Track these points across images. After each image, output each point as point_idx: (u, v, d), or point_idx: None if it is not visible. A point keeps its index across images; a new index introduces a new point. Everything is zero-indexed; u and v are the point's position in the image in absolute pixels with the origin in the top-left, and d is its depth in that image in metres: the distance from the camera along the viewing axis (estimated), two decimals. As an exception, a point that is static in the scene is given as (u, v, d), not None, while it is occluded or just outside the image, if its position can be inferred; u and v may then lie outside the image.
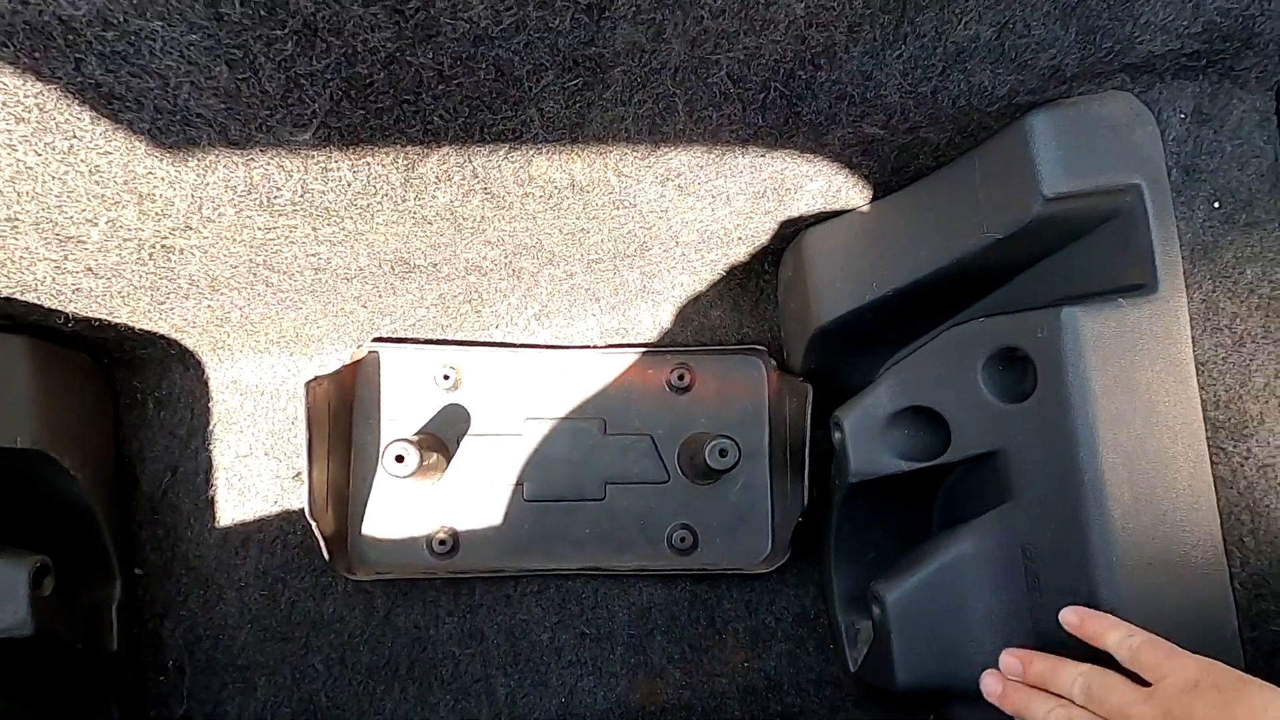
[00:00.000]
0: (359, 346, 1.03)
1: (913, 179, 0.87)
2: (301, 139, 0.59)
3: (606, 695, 1.00)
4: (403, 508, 1.01)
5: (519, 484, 1.03)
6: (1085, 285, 0.81)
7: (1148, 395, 0.75)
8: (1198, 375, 0.75)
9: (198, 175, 0.63)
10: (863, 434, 0.90)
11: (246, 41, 0.51)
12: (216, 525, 1.01)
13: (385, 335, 1.03)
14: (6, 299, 0.81)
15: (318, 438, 0.94)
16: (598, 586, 1.03)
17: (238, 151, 0.61)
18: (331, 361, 1.03)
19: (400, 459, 0.92)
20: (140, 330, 0.93)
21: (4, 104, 0.54)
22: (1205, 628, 0.74)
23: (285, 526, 1.01)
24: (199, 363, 1.02)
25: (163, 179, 0.63)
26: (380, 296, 0.96)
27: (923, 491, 0.96)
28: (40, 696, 0.88)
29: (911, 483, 0.92)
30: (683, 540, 1.03)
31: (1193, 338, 0.76)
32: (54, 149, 0.58)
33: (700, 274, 1.03)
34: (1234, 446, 0.76)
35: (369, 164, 0.65)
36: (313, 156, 0.63)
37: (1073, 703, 0.68)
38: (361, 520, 1.01)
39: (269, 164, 0.63)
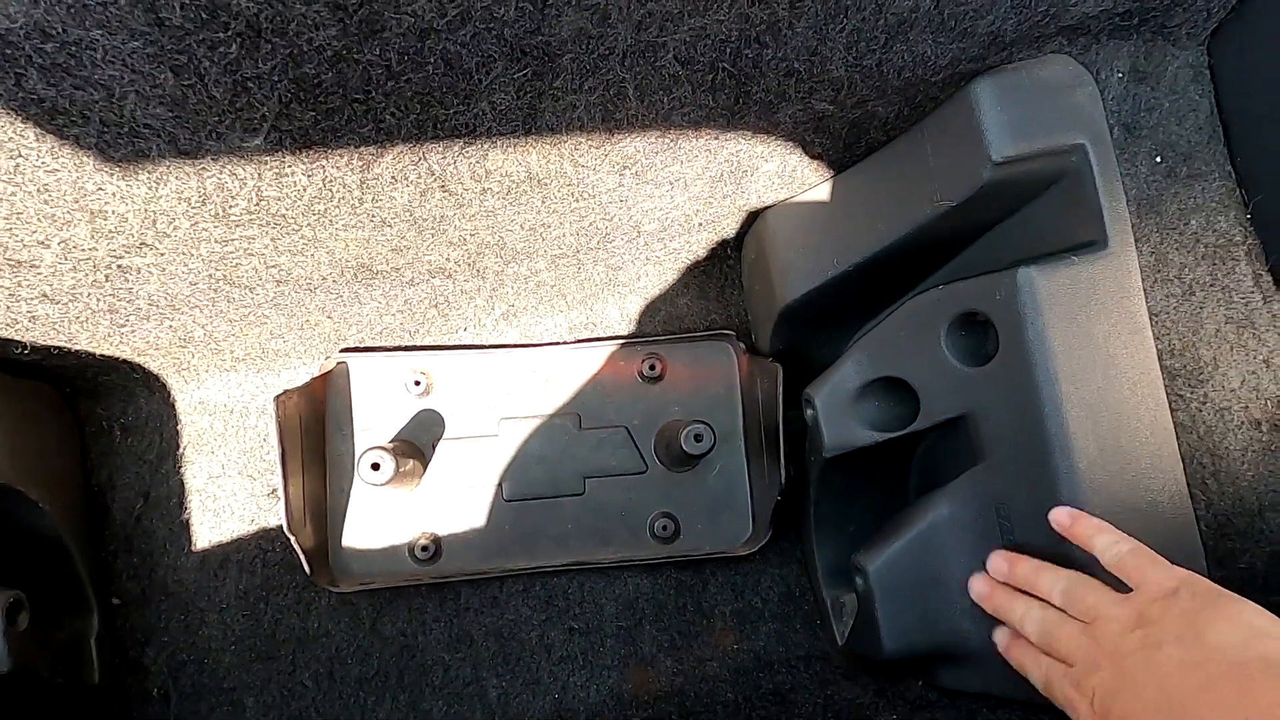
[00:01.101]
0: (327, 358, 1.02)
1: (865, 154, 0.89)
2: (253, 144, 0.59)
3: (599, 688, 1.00)
4: (382, 516, 1.01)
5: (498, 484, 1.03)
6: (1039, 246, 0.83)
7: (1106, 348, 0.77)
8: (1152, 326, 0.77)
9: (149, 189, 0.62)
10: (834, 409, 0.91)
11: (190, 46, 0.50)
12: (193, 549, 1.00)
13: (353, 345, 1.03)
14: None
15: (291, 452, 0.93)
16: (583, 581, 1.03)
17: (189, 161, 0.60)
18: (300, 375, 1.02)
19: (376, 466, 0.91)
20: (101, 356, 0.92)
21: None
22: (1176, 570, 0.76)
23: (264, 545, 1.00)
24: (164, 385, 1.00)
25: (114, 194, 0.62)
26: (345, 306, 0.95)
27: (897, 461, 0.98)
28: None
29: (886, 453, 0.94)
30: (664, 529, 1.03)
31: (1144, 290, 0.78)
32: None
33: (664, 263, 1.04)
34: (1191, 392, 0.78)
35: (323, 167, 0.65)
36: (266, 162, 0.62)
37: (1052, 605, 0.69)
38: (341, 532, 1.00)
39: (221, 172, 0.63)
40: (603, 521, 1.03)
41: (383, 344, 1.04)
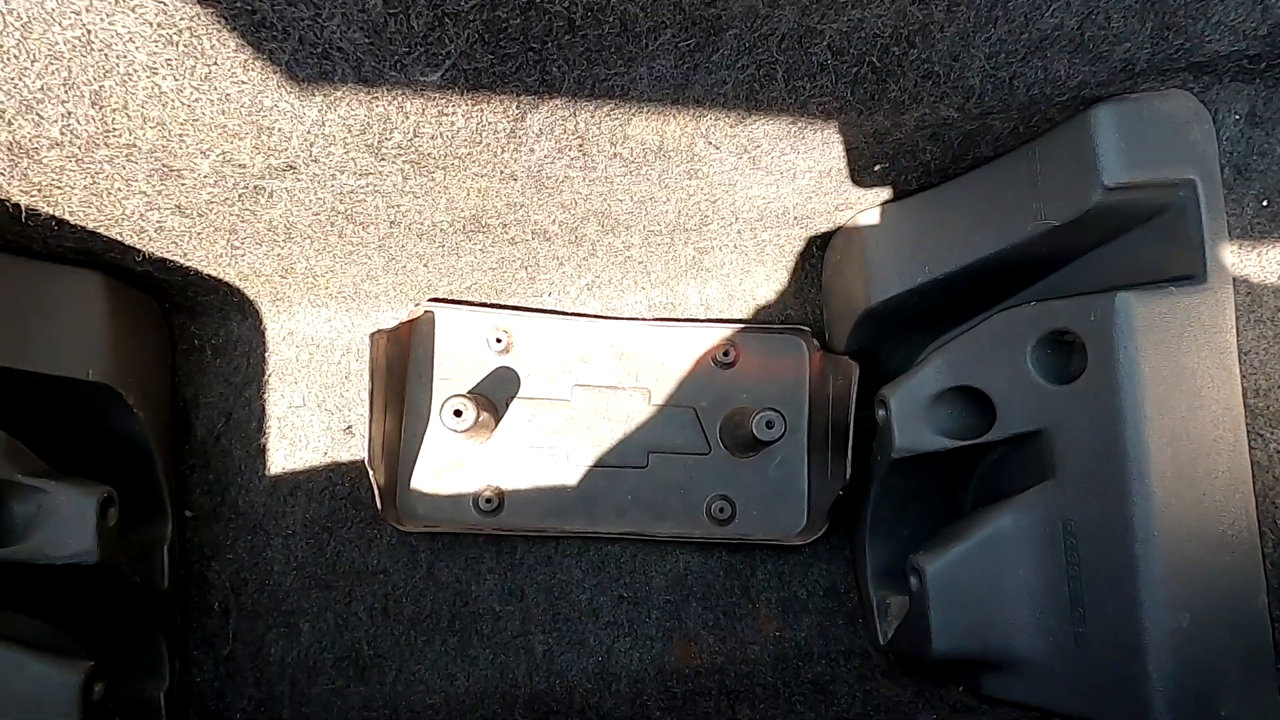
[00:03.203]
0: (416, 305, 1.05)
1: (970, 168, 0.91)
2: (430, 79, 0.61)
3: (642, 656, 1.02)
4: (451, 465, 1.04)
5: (565, 448, 1.05)
6: (1134, 276, 0.84)
7: (1193, 380, 0.78)
8: (1240, 364, 0.79)
9: (320, 111, 0.65)
10: (907, 411, 0.93)
11: None
12: (267, 473, 1.03)
13: (441, 296, 1.06)
14: (91, 233, 0.83)
15: (377, 390, 0.96)
16: (636, 552, 1.06)
17: (365, 90, 0.63)
18: (387, 319, 1.05)
19: (458, 413, 0.94)
20: (207, 275, 0.95)
21: (158, 26, 0.56)
22: (1237, 603, 0.78)
23: (334, 478, 1.03)
24: (258, 312, 1.03)
25: (286, 112, 0.65)
26: (443, 257, 0.98)
27: (959, 472, 1.00)
28: (94, 628, 0.89)
29: (950, 462, 0.96)
30: (721, 511, 1.05)
31: (1237, 328, 0.79)
32: (193, 74, 0.60)
33: (750, 254, 1.06)
34: (1271, 433, 0.80)
35: (483, 110, 0.67)
36: (433, 99, 0.65)
37: None
38: (411, 475, 1.03)
39: (390, 104, 0.65)
40: (661, 496, 1.06)
41: (470, 299, 1.07)
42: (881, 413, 0.95)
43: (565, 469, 1.05)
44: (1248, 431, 0.79)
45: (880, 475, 0.99)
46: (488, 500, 1.03)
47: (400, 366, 1.03)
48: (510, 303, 1.08)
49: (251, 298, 1.02)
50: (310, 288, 1.01)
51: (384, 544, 1.03)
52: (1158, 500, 0.77)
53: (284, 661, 0.98)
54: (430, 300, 1.06)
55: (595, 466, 1.06)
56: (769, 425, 0.97)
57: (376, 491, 0.94)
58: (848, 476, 0.99)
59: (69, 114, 0.63)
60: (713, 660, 1.03)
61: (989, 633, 0.87)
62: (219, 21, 0.56)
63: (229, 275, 0.97)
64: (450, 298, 1.06)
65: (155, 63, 0.59)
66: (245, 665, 0.98)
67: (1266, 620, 0.78)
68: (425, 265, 1.00)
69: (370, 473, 0.93)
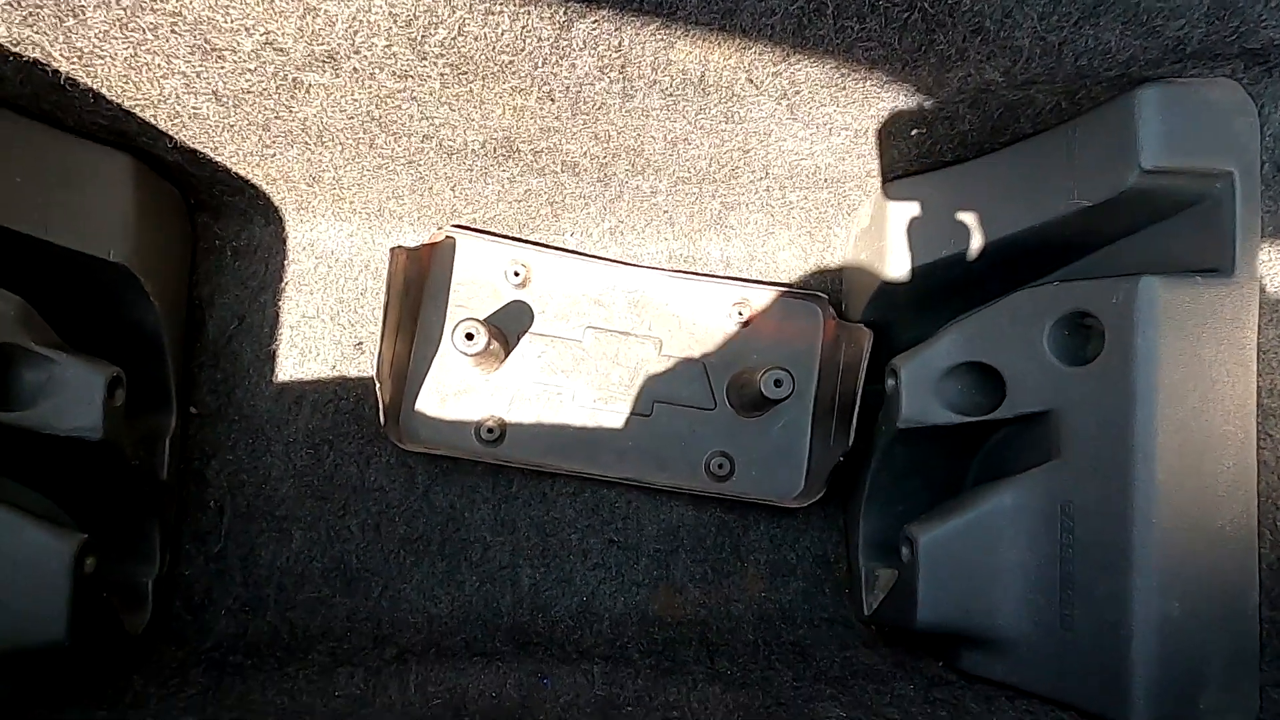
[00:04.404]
0: (439, 229, 1.05)
1: (1006, 144, 0.90)
2: (481, -31, 0.61)
3: (627, 601, 1.03)
4: (457, 391, 1.04)
5: (571, 388, 1.05)
6: (1161, 265, 0.84)
7: (1209, 372, 0.78)
8: (1258, 362, 0.79)
9: None
10: (918, 383, 0.93)
11: None
12: (274, 379, 1.03)
13: (465, 224, 1.06)
14: (127, 112, 0.83)
15: (391, 306, 0.96)
16: (631, 499, 1.06)
17: None
18: (408, 240, 1.05)
19: (470, 336, 0.94)
20: (235, 174, 0.96)
21: None
22: (1228, 598, 0.78)
23: (340, 391, 1.04)
24: (281, 219, 1.04)
25: None
26: (471, 182, 0.98)
27: (962, 449, 0.99)
28: (91, 508, 0.90)
29: (954, 438, 0.96)
30: (720, 467, 1.06)
31: (1259, 326, 0.79)
32: None
33: (776, 214, 1.06)
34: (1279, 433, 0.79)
35: (529, 13, 0.67)
36: None
37: None
38: (416, 396, 1.03)
39: None
40: (663, 447, 1.06)
41: (492, 229, 1.07)
42: (891, 382, 0.95)
43: (570, 408, 1.05)
44: (1258, 430, 0.79)
45: (882, 446, 0.98)
46: (489, 430, 1.03)
47: (416, 288, 1.03)
48: (532, 238, 1.08)
49: (276, 203, 1.02)
50: (335, 199, 1.01)
51: (382, 462, 1.03)
52: (1160, 487, 0.77)
53: (273, 565, 0.99)
54: (453, 225, 1.06)
55: (600, 409, 1.06)
56: (777, 384, 0.97)
57: (381, 407, 0.95)
58: (850, 443, 0.99)
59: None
60: (696, 613, 1.03)
61: (975, 607, 0.87)
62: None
63: (256, 177, 0.97)
64: (473, 226, 1.06)
65: (210, -76, 0.59)
66: (235, 565, 0.99)
67: (1255, 618, 0.78)
68: (452, 189, 1.00)
69: (376, 387, 0.94)
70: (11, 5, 0.68)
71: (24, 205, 0.80)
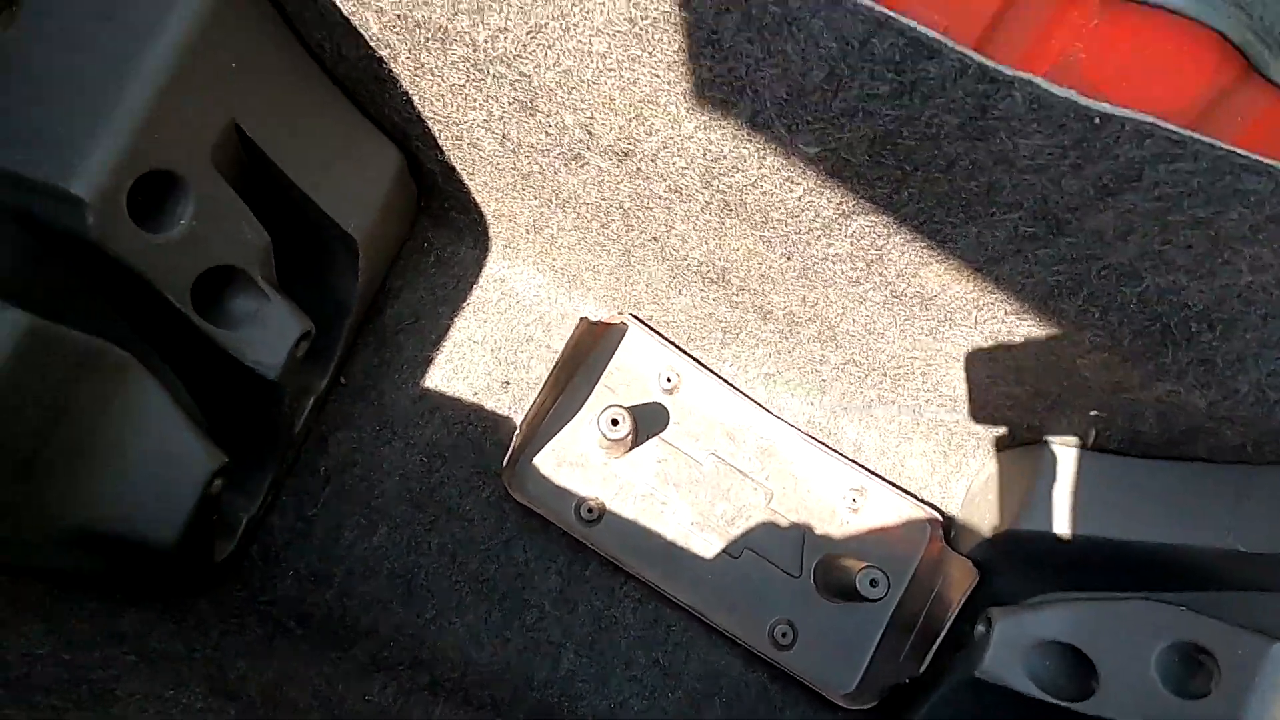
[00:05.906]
0: (620, 313, 1.11)
1: (1176, 459, 0.92)
2: (807, 150, 0.68)
3: (648, 724, 1.02)
4: (574, 463, 1.08)
5: (676, 503, 1.08)
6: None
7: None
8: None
9: (695, 128, 0.72)
10: (1009, 641, 0.93)
11: None
12: (420, 383, 1.09)
13: (642, 317, 1.12)
14: (422, 120, 0.92)
15: (560, 365, 1.01)
16: (689, 628, 1.07)
17: (746, 128, 0.69)
18: (590, 312, 1.11)
19: (615, 423, 0.99)
20: (474, 200, 1.04)
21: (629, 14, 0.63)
22: None
23: (472, 417, 1.08)
24: (488, 248, 1.11)
25: (670, 116, 0.71)
26: (667, 286, 1.04)
27: (1026, 722, 0.98)
28: (232, 433, 0.95)
29: (1025, 707, 0.94)
30: (784, 635, 1.06)
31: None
32: (633, 59, 0.67)
33: (921, 424, 1.09)
34: None
35: (821, 195, 0.73)
36: (790, 166, 0.71)
37: None
38: (538, 452, 1.07)
39: (752, 148, 0.71)
40: (737, 593, 1.07)
41: (664, 331, 1.12)
42: (982, 629, 0.95)
43: (668, 521, 1.08)
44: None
45: (951, 684, 0.98)
46: (589, 510, 1.06)
47: (580, 356, 1.09)
48: (696, 354, 1.13)
49: (491, 235, 1.10)
50: (543, 253, 1.08)
51: (482, 497, 1.07)
52: None
53: (350, 549, 1.02)
54: (632, 314, 1.12)
55: (694, 534, 1.08)
56: (873, 583, 0.98)
57: (513, 447, 0.99)
58: (920, 671, 0.99)
59: (502, 29, 0.72)
60: (708, 765, 1.02)
61: None
62: (683, 35, 0.63)
63: (488, 209, 1.05)
64: (649, 322, 1.12)
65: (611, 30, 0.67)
66: (318, 534, 1.03)
67: None
68: (647, 285, 1.06)
69: (518, 428, 0.98)
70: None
71: (309, 164, 0.89)
